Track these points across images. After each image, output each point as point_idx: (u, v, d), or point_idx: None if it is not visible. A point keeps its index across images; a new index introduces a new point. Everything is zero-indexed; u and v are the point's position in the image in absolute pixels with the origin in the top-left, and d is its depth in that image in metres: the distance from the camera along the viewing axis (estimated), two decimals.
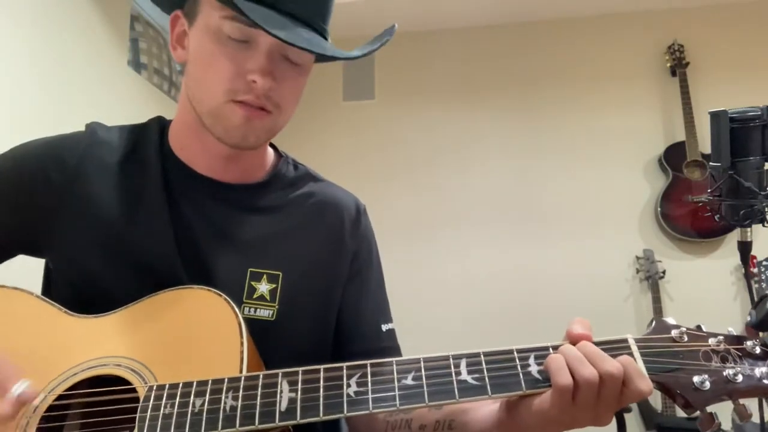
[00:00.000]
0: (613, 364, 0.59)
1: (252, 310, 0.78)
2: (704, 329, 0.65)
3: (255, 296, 0.79)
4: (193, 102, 0.79)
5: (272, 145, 0.93)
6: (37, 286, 0.83)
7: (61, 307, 0.74)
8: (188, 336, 0.69)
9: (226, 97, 0.74)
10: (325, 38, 0.78)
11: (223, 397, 0.61)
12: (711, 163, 0.80)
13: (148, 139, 0.85)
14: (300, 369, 0.63)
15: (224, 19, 0.72)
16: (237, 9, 0.68)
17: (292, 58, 0.76)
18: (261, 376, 0.63)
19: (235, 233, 0.82)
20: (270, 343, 0.75)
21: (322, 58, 0.80)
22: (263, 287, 0.80)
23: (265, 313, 0.79)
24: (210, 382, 0.63)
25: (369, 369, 0.63)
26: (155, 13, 2.63)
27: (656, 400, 2.70)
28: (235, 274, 0.79)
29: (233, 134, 0.77)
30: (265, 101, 0.75)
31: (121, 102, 2.38)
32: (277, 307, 0.79)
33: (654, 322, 0.66)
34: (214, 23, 0.73)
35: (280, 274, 0.81)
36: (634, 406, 2.73)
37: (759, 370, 0.60)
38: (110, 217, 0.79)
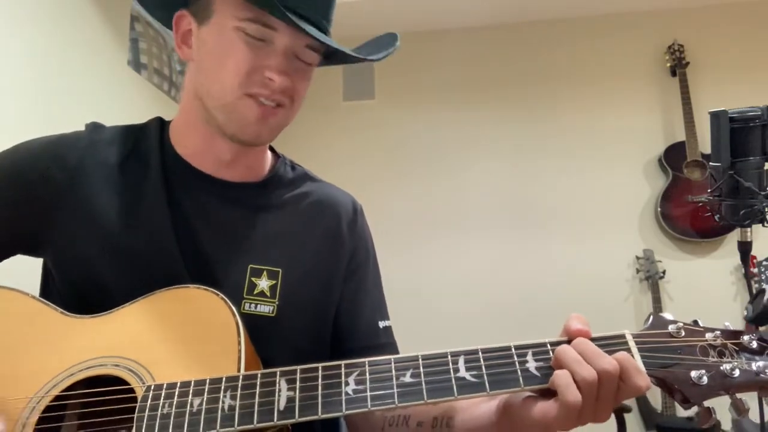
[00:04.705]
0: (608, 362, 0.59)
1: (252, 306, 0.79)
2: (701, 324, 0.65)
3: (255, 292, 0.80)
4: (204, 98, 0.80)
5: (270, 147, 0.94)
6: (35, 287, 0.83)
7: (58, 308, 0.74)
8: (186, 335, 0.69)
9: (241, 90, 0.76)
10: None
11: (221, 397, 0.61)
12: (711, 163, 0.79)
13: (149, 137, 0.86)
14: (298, 367, 0.63)
15: (243, 21, 0.75)
16: (269, 5, 0.72)
17: (302, 57, 0.80)
18: (259, 375, 0.63)
19: (236, 230, 0.83)
20: (270, 339, 0.76)
21: (327, 61, 0.84)
22: (263, 283, 0.80)
23: (265, 309, 0.80)
24: (208, 381, 0.63)
25: (367, 367, 0.63)
26: None
27: (656, 399, 2.70)
28: (236, 271, 0.80)
29: (248, 131, 0.79)
30: (281, 96, 0.78)
31: (121, 102, 2.38)
32: (277, 303, 0.80)
33: (651, 318, 0.66)
34: (234, 24, 0.76)
35: (280, 271, 0.82)
36: (634, 405, 2.73)
37: (756, 365, 0.60)
38: (111, 215, 0.79)
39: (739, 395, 0.60)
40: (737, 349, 0.62)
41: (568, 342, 0.62)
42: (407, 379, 0.61)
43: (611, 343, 0.62)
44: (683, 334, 0.63)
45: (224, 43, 0.76)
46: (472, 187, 3.23)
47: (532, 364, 0.61)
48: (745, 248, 0.82)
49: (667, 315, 0.66)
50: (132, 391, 0.65)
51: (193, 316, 0.70)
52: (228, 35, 0.76)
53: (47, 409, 0.66)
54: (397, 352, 0.88)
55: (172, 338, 0.69)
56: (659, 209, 2.96)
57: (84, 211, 0.79)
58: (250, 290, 0.80)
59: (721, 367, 0.60)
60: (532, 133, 3.24)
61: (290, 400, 0.60)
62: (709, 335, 0.63)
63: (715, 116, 0.78)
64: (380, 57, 0.84)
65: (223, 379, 0.63)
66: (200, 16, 0.80)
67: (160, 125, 0.89)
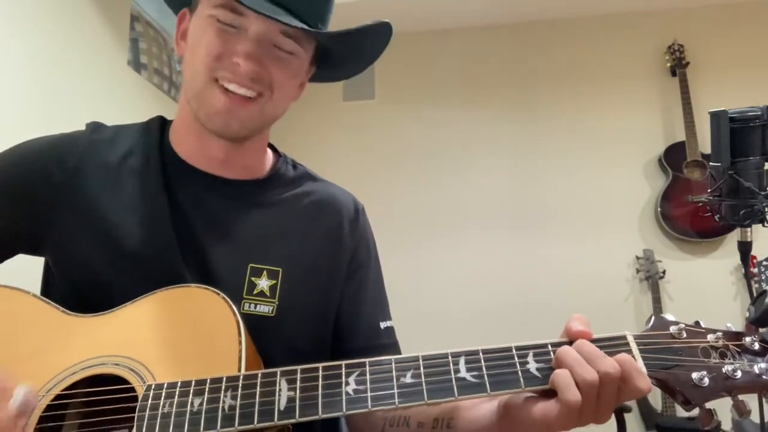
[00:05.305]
0: (610, 364, 0.59)
1: (252, 306, 0.79)
2: (703, 325, 0.64)
3: (255, 292, 0.79)
4: (186, 90, 0.81)
5: (272, 146, 0.94)
6: (36, 286, 0.83)
7: (59, 307, 0.74)
8: (187, 335, 0.69)
9: (209, 74, 0.76)
10: None
11: (221, 396, 0.61)
12: (711, 163, 0.79)
13: (149, 137, 0.86)
14: (299, 367, 0.63)
15: (216, 7, 0.76)
16: None
17: (281, 45, 0.78)
18: (259, 374, 0.62)
19: (235, 229, 0.83)
20: (269, 339, 0.75)
21: (325, 66, 0.85)
22: (263, 283, 0.80)
23: (265, 309, 0.79)
24: (208, 381, 0.62)
25: (368, 367, 0.62)
26: (155, 13, 2.63)
27: (656, 399, 2.70)
28: (235, 271, 0.80)
29: (215, 120, 0.78)
30: (251, 83, 0.76)
31: (121, 102, 2.38)
32: (276, 303, 0.80)
33: (653, 319, 0.66)
34: (208, 11, 0.77)
35: (280, 270, 0.82)
36: (634, 405, 2.73)
37: (758, 366, 0.60)
38: (110, 214, 0.79)
39: (740, 397, 0.60)
40: (739, 350, 0.62)
41: (569, 343, 0.62)
42: (408, 379, 0.61)
43: (612, 345, 0.62)
44: (685, 335, 0.63)
45: (200, 31, 0.77)
46: (471, 187, 3.23)
47: (532, 365, 0.61)
48: (745, 248, 0.82)
49: (669, 316, 0.65)
50: (133, 390, 0.65)
51: (194, 315, 0.70)
52: (203, 23, 0.77)
53: (48, 407, 0.66)
54: (399, 353, 0.88)
55: (173, 337, 0.69)
56: (659, 209, 2.96)
57: (84, 210, 0.79)
58: (249, 290, 0.79)
59: (723, 369, 0.60)
60: (532, 133, 3.24)
61: (291, 400, 0.60)
62: (710, 336, 0.63)
63: (715, 116, 0.78)
64: (354, 30, 0.82)
65: (224, 378, 0.62)
66: (192, 10, 0.81)
67: (161, 124, 0.89)
